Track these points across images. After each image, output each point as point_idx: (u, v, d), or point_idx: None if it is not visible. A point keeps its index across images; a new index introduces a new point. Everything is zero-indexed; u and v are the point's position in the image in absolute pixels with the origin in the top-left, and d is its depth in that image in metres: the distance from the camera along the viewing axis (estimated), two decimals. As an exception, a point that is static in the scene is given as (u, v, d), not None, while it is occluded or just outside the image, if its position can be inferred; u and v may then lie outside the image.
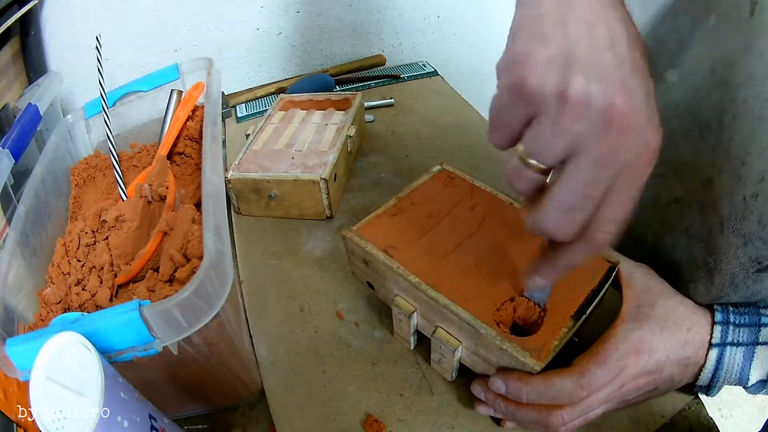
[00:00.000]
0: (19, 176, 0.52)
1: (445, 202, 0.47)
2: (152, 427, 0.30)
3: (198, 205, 0.45)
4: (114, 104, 0.56)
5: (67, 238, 0.45)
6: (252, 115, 0.82)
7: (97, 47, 0.53)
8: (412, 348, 0.46)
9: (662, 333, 0.37)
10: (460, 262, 0.41)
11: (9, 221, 0.46)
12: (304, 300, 0.51)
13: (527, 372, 0.35)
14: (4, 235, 0.44)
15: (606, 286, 0.40)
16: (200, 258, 0.34)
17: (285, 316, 0.50)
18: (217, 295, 0.31)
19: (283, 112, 0.71)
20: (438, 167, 0.51)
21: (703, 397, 0.42)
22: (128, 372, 0.30)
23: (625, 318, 0.38)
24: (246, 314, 0.50)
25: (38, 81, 0.69)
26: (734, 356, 0.37)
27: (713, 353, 0.37)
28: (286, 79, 0.90)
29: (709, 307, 0.39)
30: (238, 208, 0.62)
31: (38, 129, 0.58)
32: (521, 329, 0.39)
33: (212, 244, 0.32)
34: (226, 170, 0.59)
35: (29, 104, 0.59)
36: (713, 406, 0.43)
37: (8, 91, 0.68)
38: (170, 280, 0.40)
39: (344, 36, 0.97)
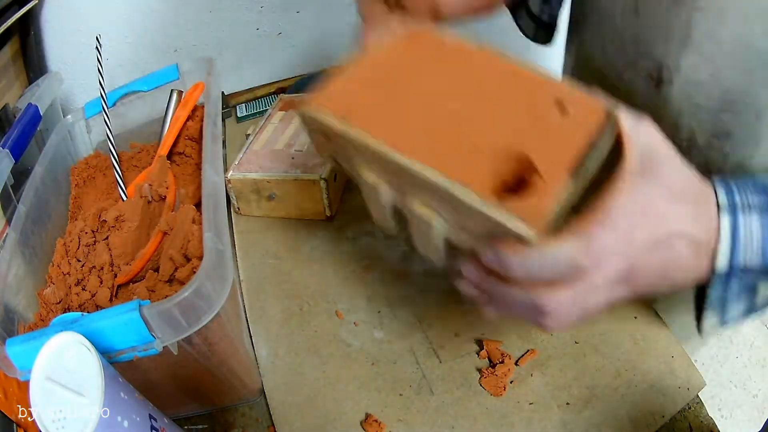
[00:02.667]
0: (19, 176, 0.52)
1: (412, 59, 0.39)
2: (152, 427, 0.30)
3: (198, 205, 0.45)
4: (114, 104, 0.56)
5: (67, 238, 0.45)
6: (252, 115, 0.82)
7: (97, 47, 0.53)
8: (395, 232, 0.39)
9: (671, 200, 0.30)
10: (433, 120, 0.34)
11: (9, 221, 0.46)
12: (304, 300, 0.51)
13: (522, 241, 0.28)
14: (4, 235, 0.44)
15: (607, 143, 0.32)
16: (200, 258, 0.34)
17: (285, 316, 0.50)
18: (217, 295, 0.31)
19: (283, 112, 0.71)
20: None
21: (703, 396, 0.42)
22: (128, 372, 0.30)
23: (627, 174, 0.30)
24: (246, 314, 0.50)
25: (38, 81, 0.69)
26: (750, 225, 0.30)
27: (726, 222, 0.30)
28: (286, 79, 0.90)
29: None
30: (238, 208, 0.62)
31: (38, 129, 0.58)
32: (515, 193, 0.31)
33: (212, 244, 0.32)
34: (226, 170, 0.59)
35: (29, 104, 0.59)
36: (713, 406, 0.43)
37: (8, 91, 0.68)
38: (170, 280, 0.40)
39: (344, 36, 0.97)
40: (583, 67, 0.50)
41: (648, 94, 0.42)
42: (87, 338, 0.27)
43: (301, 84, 0.84)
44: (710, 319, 0.34)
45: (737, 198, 0.31)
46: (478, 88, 0.35)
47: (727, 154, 0.41)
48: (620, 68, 0.43)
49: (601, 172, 0.32)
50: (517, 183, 0.30)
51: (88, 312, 0.40)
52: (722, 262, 0.31)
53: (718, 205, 0.31)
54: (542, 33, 0.52)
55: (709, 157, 0.41)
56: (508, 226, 0.28)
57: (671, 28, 0.38)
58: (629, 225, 0.29)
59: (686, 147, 0.41)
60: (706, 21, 0.36)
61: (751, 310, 0.33)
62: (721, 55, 0.37)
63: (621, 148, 0.31)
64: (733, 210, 0.30)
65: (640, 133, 0.32)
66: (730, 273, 0.31)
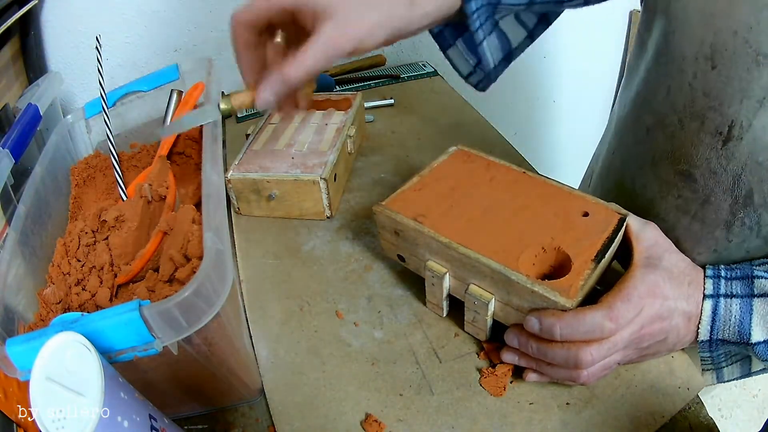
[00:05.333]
0: (19, 176, 0.53)
1: (465, 176, 0.50)
2: (152, 427, 0.30)
3: (198, 205, 0.45)
4: (114, 104, 0.56)
5: (67, 238, 0.45)
6: (252, 115, 0.82)
7: (97, 47, 0.53)
8: (444, 315, 0.48)
9: (670, 282, 0.39)
10: (486, 223, 0.44)
11: (9, 221, 0.46)
12: (304, 300, 0.51)
13: (560, 309, 0.38)
14: (4, 235, 0.44)
15: (619, 236, 0.43)
16: (200, 258, 0.35)
17: (285, 316, 0.50)
18: (217, 295, 0.31)
19: (283, 112, 0.71)
20: (454, 147, 0.54)
21: (703, 396, 0.42)
22: (128, 372, 0.30)
23: (638, 265, 0.40)
24: (246, 314, 0.50)
25: (38, 81, 0.69)
26: (730, 307, 0.39)
27: (708, 304, 0.39)
28: (286, 79, 0.90)
29: (703, 268, 0.42)
30: (238, 208, 0.62)
31: (38, 129, 0.59)
32: (548, 278, 0.41)
33: (212, 244, 0.32)
34: (226, 170, 0.59)
35: (29, 104, 0.59)
36: (713, 406, 0.43)
37: (8, 91, 0.68)
38: (170, 280, 0.40)
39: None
40: (641, 105, 0.49)
41: (713, 148, 0.42)
42: (87, 338, 0.27)
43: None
44: (708, 375, 0.45)
45: (722, 289, 0.40)
46: (520, 199, 0.47)
47: None
48: (684, 117, 0.43)
49: (614, 258, 0.44)
50: (555, 269, 0.42)
51: (88, 312, 0.40)
52: (703, 334, 0.40)
53: (704, 294, 0.40)
54: (480, 76, 0.53)
55: (762, 216, 0.42)
56: (551, 298, 0.38)
57: (751, 89, 0.38)
58: (642, 302, 0.38)
59: (742, 204, 0.42)
60: None
61: (747, 372, 0.43)
62: None
63: (629, 241, 0.43)
64: (716, 297, 0.40)
65: (647, 233, 0.43)
66: (711, 341, 0.40)
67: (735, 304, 0.39)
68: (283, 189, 0.58)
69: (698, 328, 0.40)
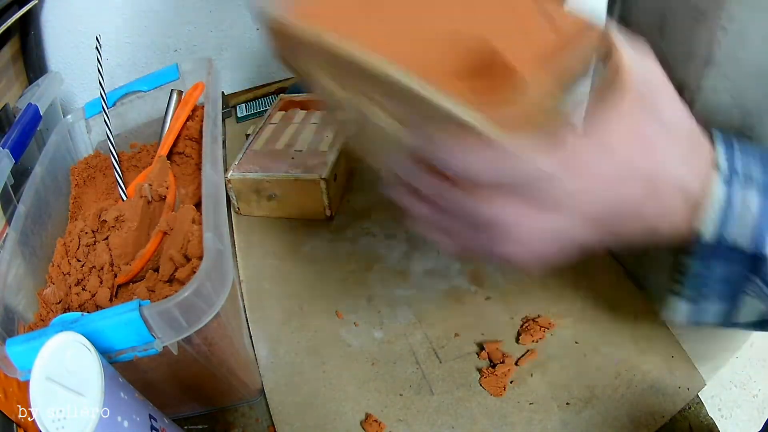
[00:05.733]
0: (19, 176, 0.53)
1: None
2: (152, 427, 0.30)
3: (198, 205, 0.45)
4: (114, 104, 0.56)
5: (67, 238, 0.45)
6: (252, 115, 0.82)
7: (97, 47, 0.53)
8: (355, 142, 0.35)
9: (668, 138, 0.27)
10: (395, 18, 0.28)
11: (9, 221, 0.46)
12: (304, 300, 0.51)
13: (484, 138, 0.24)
14: (4, 235, 0.44)
15: (590, 45, 0.28)
16: (200, 258, 0.34)
17: (285, 316, 0.50)
18: (217, 295, 0.31)
19: (283, 112, 0.71)
20: None
21: (703, 396, 0.42)
22: (128, 372, 0.30)
23: (626, 94, 0.26)
24: (246, 314, 0.50)
25: (38, 81, 0.69)
26: (746, 198, 0.26)
27: (719, 187, 0.26)
28: (286, 79, 0.90)
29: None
30: (238, 208, 0.62)
31: (38, 129, 0.59)
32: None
33: (212, 244, 0.32)
34: (226, 170, 0.59)
35: (29, 104, 0.59)
36: (713, 406, 0.43)
37: (8, 91, 0.68)
38: (170, 280, 0.40)
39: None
40: None
41: None
42: (87, 338, 0.27)
43: (301, 84, 0.83)
44: (682, 304, 0.30)
45: (739, 166, 0.27)
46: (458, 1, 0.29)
47: None
48: None
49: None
50: (482, 75, 0.25)
51: (88, 312, 0.40)
52: (709, 228, 0.27)
53: (717, 166, 0.27)
54: None
55: None
56: (456, 115, 0.23)
57: (693, 48, 0.37)
58: (622, 153, 0.26)
59: None
60: (728, 42, 0.35)
61: (727, 319, 0.30)
62: (742, 77, 0.36)
63: (617, 73, 0.27)
64: (730, 176, 0.27)
65: (645, 65, 0.28)
66: (717, 247, 0.27)
67: (754, 197, 0.26)
68: (283, 189, 0.58)
69: (703, 213, 0.26)
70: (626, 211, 0.27)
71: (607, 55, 0.28)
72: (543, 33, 0.27)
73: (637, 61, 0.28)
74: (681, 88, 0.38)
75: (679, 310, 0.31)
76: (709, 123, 0.34)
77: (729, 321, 0.30)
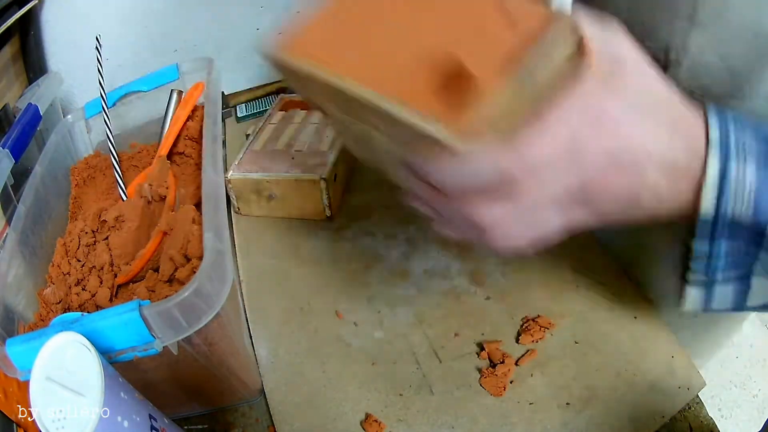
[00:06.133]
0: (19, 176, 0.52)
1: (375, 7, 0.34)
2: (152, 427, 0.30)
3: (198, 205, 0.45)
4: (114, 104, 0.56)
5: (67, 238, 0.45)
6: (252, 115, 0.82)
7: (97, 47, 0.53)
8: (360, 155, 0.38)
9: (636, 114, 0.26)
10: (379, 46, 0.30)
11: (9, 221, 0.46)
12: (304, 300, 0.51)
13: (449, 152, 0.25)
14: (4, 235, 0.44)
15: (560, 50, 0.28)
16: (200, 258, 0.34)
17: (285, 316, 0.50)
18: (217, 295, 0.31)
19: (283, 112, 0.71)
20: None
21: (703, 396, 0.42)
22: (128, 372, 0.30)
23: (582, 82, 0.26)
24: (246, 314, 0.50)
25: (38, 81, 0.69)
26: (743, 171, 0.26)
27: (714, 160, 0.26)
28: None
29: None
30: (238, 208, 0.62)
31: (38, 129, 0.58)
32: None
33: (212, 244, 0.32)
34: (226, 170, 0.59)
35: (29, 104, 0.59)
36: (713, 406, 0.43)
37: (8, 91, 0.68)
38: (170, 280, 0.40)
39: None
40: None
41: None
42: (87, 338, 0.27)
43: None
44: (693, 291, 0.30)
45: (732, 137, 0.26)
46: (429, 14, 0.31)
47: None
48: None
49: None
50: (452, 87, 0.27)
51: (88, 312, 0.40)
52: (707, 203, 0.26)
53: (707, 139, 0.26)
54: None
55: None
56: (427, 131, 0.25)
57: (678, 8, 0.36)
58: (574, 134, 0.25)
59: None
60: (712, 1, 0.35)
61: (740, 302, 0.29)
62: (728, 36, 0.35)
63: (580, 56, 0.27)
64: (724, 149, 0.26)
65: (611, 42, 0.28)
66: (716, 222, 0.27)
67: (750, 169, 0.26)
68: (283, 189, 0.58)
69: (699, 188, 0.26)
70: (612, 198, 0.27)
71: (576, 42, 0.28)
72: (505, 34, 0.28)
73: (604, 40, 0.27)
74: (667, 49, 0.38)
75: (691, 298, 0.30)
76: (698, 84, 0.33)
77: (742, 304, 0.30)
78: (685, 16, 0.36)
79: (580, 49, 0.27)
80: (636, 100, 0.27)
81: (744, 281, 0.30)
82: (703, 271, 0.29)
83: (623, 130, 0.26)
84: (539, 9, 0.28)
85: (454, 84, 0.27)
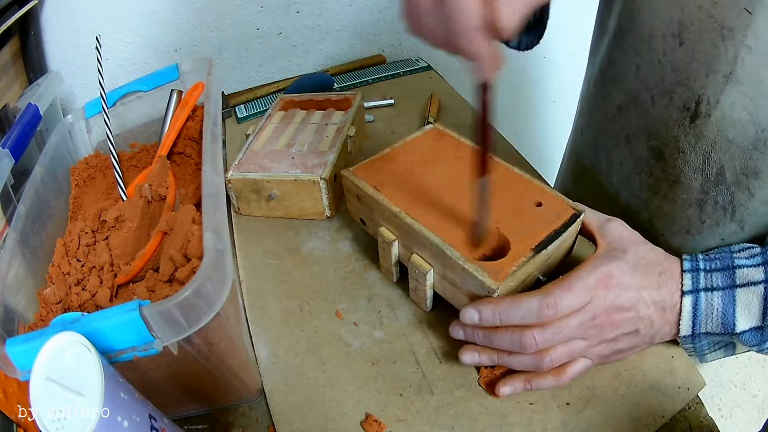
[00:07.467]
0: (19, 176, 0.53)
1: (433, 152, 0.53)
2: (152, 427, 0.30)
3: (198, 205, 0.45)
4: (114, 104, 0.56)
5: (67, 238, 0.45)
6: (252, 115, 0.82)
7: (97, 47, 0.53)
8: (395, 280, 0.51)
9: (633, 273, 0.38)
10: (440, 199, 0.46)
11: (9, 221, 0.46)
12: (304, 300, 0.51)
13: (487, 293, 0.39)
14: (4, 235, 0.44)
15: (570, 230, 0.43)
16: (200, 258, 0.34)
17: (285, 316, 0.50)
18: (217, 295, 0.31)
19: (283, 112, 0.71)
20: (430, 125, 0.57)
21: (703, 396, 0.42)
22: (128, 372, 0.30)
23: (595, 258, 0.40)
24: (246, 314, 0.50)
25: (38, 81, 0.69)
26: (711, 301, 0.38)
27: (687, 300, 0.38)
28: (286, 79, 0.90)
29: (679, 258, 0.40)
30: (238, 208, 0.62)
31: (38, 129, 0.59)
32: (491, 260, 0.42)
33: (212, 244, 0.32)
34: (226, 170, 0.59)
35: (29, 104, 0.59)
36: (713, 406, 0.43)
37: (8, 91, 0.68)
38: (170, 280, 0.40)
39: (344, 36, 0.97)
40: (610, 82, 0.49)
41: (681, 125, 0.42)
42: (87, 338, 0.27)
43: (301, 84, 0.84)
44: (691, 357, 0.43)
45: (702, 283, 0.38)
46: (462, 178, 0.45)
47: (754, 192, 0.41)
48: (654, 94, 0.43)
49: (568, 253, 0.46)
50: (495, 253, 0.43)
51: (88, 312, 0.40)
52: (685, 329, 0.39)
53: (682, 286, 0.38)
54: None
55: (735, 195, 0.42)
56: (478, 278, 0.39)
57: (716, 63, 0.38)
58: (589, 292, 0.38)
59: (714, 182, 0.42)
60: (752, 61, 0.36)
61: (731, 353, 0.42)
62: (762, 95, 0.37)
63: (594, 238, 0.42)
64: (695, 293, 0.38)
65: (611, 228, 0.42)
66: (694, 335, 0.39)
67: (717, 297, 0.38)
68: (283, 189, 0.58)
69: (679, 323, 0.39)
70: (621, 333, 0.39)
71: (583, 226, 0.44)
72: (535, 220, 0.43)
73: (608, 228, 0.42)
74: (699, 100, 0.39)
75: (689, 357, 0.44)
76: (723, 136, 0.36)
77: (733, 353, 0.45)
78: (723, 72, 0.37)
79: (587, 230, 0.44)
80: (636, 263, 0.39)
81: (729, 347, 0.46)
82: (693, 352, 0.44)
83: (625, 288, 0.38)
84: (561, 201, 0.45)
85: (493, 246, 0.43)
